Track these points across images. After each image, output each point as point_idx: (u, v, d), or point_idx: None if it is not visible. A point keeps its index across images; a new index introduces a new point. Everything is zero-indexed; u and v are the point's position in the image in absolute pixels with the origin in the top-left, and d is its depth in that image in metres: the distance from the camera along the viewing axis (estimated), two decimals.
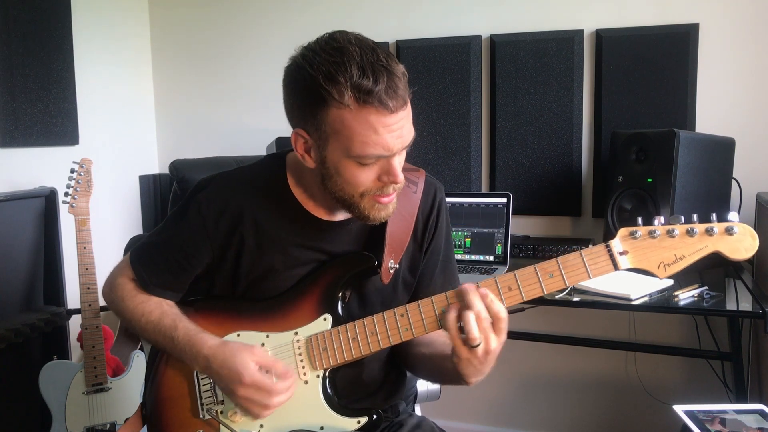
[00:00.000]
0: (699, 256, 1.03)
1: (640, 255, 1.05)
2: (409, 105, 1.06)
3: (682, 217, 1.04)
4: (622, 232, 1.06)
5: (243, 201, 1.21)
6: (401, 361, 1.35)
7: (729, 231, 1.02)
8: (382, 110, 1.01)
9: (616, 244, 1.05)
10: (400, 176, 1.09)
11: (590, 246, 1.08)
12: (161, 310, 1.24)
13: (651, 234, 1.04)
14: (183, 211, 1.24)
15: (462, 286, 1.08)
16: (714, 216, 1.03)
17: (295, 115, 1.10)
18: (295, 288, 1.22)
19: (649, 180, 2.06)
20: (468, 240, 2.36)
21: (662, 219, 1.05)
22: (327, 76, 1.01)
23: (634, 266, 1.05)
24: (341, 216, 1.22)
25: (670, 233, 1.03)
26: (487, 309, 1.04)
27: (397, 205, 1.17)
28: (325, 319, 1.19)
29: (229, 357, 1.13)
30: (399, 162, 1.09)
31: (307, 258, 1.22)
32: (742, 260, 1.02)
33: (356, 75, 1.00)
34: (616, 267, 1.05)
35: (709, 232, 1.02)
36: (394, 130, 1.04)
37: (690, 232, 1.03)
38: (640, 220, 1.06)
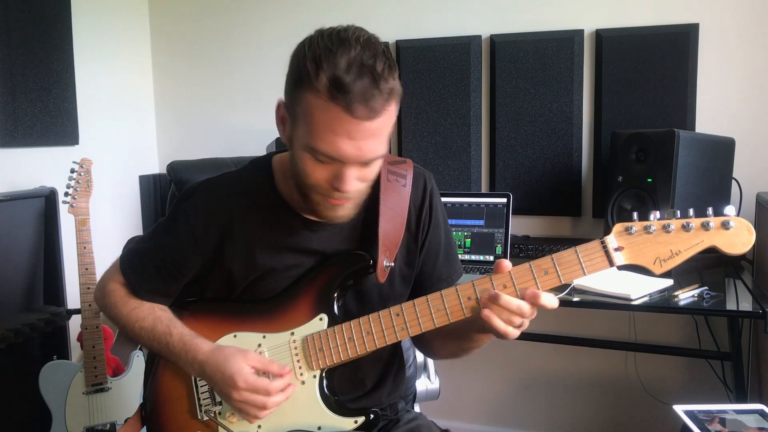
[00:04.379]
0: (695, 251, 1.01)
1: (636, 250, 1.02)
2: (382, 122, 1.01)
3: (678, 212, 1.02)
4: (617, 227, 1.04)
5: (231, 208, 1.21)
6: (422, 349, 1.36)
7: (725, 225, 0.99)
8: (347, 112, 0.97)
9: (611, 239, 1.03)
10: (349, 187, 1.04)
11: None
12: (155, 316, 1.23)
13: (646, 229, 1.02)
14: (171, 220, 1.24)
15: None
16: (710, 210, 1.01)
17: (285, 85, 1.08)
18: (291, 288, 1.21)
19: (649, 180, 2.06)
20: (468, 240, 2.36)
21: (658, 214, 1.03)
22: (314, 58, 0.98)
23: (630, 262, 1.03)
24: None
25: (665, 228, 1.01)
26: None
27: (388, 203, 1.17)
28: (321, 319, 1.19)
29: (223, 362, 1.13)
30: (354, 174, 1.05)
31: (301, 260, 1.22)
32: (739, 255, 1.00)
33: (341, 68, 0.97)
34: (611, 263, 1.03)
35: (705, 226, 1.00)
36: (354, 138, 1.00)
37: (686, 227, 1.00)
38: (635, 215, 1.04)
